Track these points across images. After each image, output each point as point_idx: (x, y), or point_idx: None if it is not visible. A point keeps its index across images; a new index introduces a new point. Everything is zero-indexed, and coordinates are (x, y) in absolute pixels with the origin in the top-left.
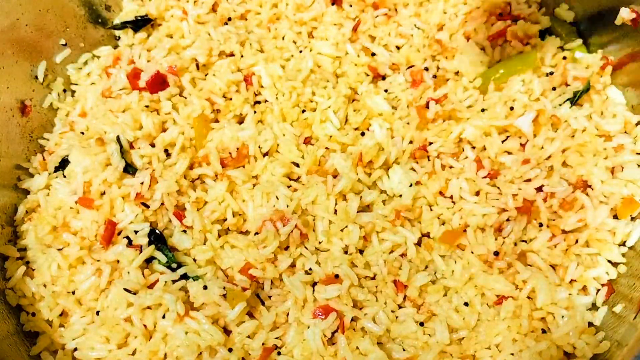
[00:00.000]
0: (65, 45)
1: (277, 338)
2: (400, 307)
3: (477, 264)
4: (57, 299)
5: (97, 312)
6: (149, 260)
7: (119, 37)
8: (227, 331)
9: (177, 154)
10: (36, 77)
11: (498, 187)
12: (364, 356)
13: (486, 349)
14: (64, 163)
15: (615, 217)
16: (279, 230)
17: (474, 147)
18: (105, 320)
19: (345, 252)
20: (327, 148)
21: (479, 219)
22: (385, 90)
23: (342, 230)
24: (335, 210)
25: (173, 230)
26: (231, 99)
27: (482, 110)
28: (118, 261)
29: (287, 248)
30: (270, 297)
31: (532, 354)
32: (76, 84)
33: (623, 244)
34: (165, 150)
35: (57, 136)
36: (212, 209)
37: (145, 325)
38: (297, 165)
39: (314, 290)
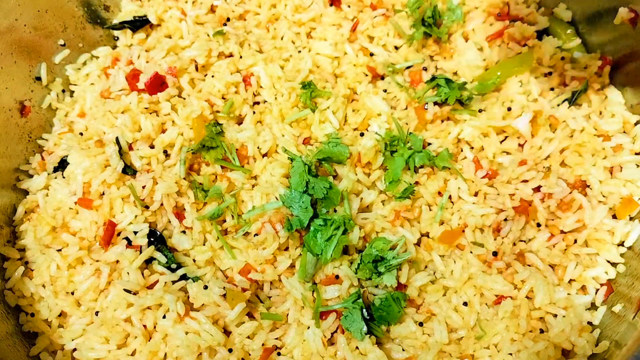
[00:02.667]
0: (64, 45)
1: (277, 339)
2: None
3: (476, 264)
4: (56, 299)
5: (97, 313)
6: (149, 261)
7: (118, 38)
8: (227, 332)
9: (177, 155)
10: (37, 78)
11: (496, 188)
12: (363, 356)
13: (485, 348)
14: (62, 163)
15: (614, 217)
16: (279, 233)
17: (472, 148)
18: (105, 321)
19: (345, 253)
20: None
21: (478, 220)
22: (384, 91)
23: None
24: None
25: (172, 231)
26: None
27: (480, 110)
28: (117, 262)
29: (286, 249)
30: (270, 297)
31: (530, 354)
32: (75, 85)
33: (622, 244)
34: (165, 151)
35: (56, 137)
36: (211, 210)
37: (145, 326)
38: None
39: (313, 291)
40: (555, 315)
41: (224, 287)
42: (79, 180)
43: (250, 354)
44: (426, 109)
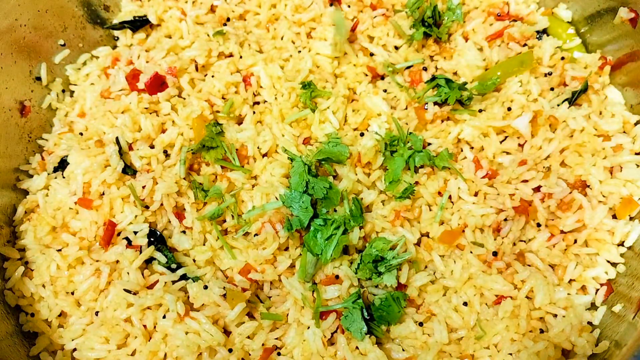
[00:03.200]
0: (64, 45)
1: (277, 339)
2: None
3: (476, 264)
4: (56, 299)
5: (97, 313)
6: (149, 261)
7: (118, 38)
8: (227, 332)
9: (177, 155)
10: (37, 78)
11: (496, 188)
12: (363, 356)
13: (485, 348)
14: (62, 163)
15: (614, 217)
16: (279, 233)
17: (472, 148)
18: (105, 321)
19: (345, 253)
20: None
21: (478, 220)
22: (384, 91)
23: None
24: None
25: (172, 231)
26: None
27: (480, 110)
28: (117, 262)
29: (286, 249)
30: (270, 297)
31: (530, 354)
32: (75, 85)
33: (622, 244)
34: (165, 151)
35: (56, 137)
36: (211, 210)
37: (145, 326)
38: None
39: (314, 291)
40: (555, 315)
41: (224, 287)
42: (79, 180)
43: (250, 354)
44: (426, 109)
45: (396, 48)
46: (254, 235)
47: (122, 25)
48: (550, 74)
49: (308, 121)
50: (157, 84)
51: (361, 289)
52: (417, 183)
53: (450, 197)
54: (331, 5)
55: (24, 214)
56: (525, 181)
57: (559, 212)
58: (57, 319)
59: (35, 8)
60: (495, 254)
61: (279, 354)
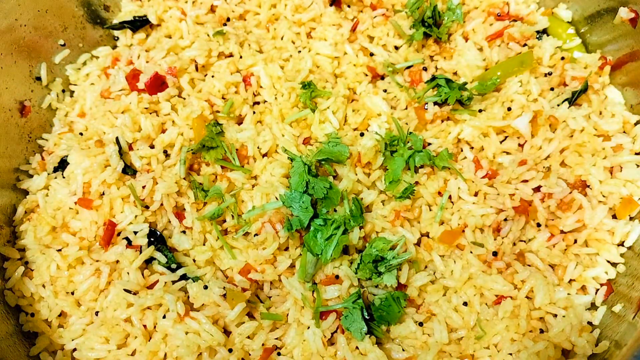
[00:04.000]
0: (64, 45)
1: (277, 338)
2: None
3: (476, 264)
4: (56, 299)
5: (97, 313)
6: (149, 261)
7: (118, 38)
8: (227, 332)
9: (177, 155)
10: (37, 78)
11: (496, 188)
12: (363, 356)
13: (485, 348)
14: (62, 163)
15: (614, 217)
16: (279, 233)
17: (472, 148)
18: (105, 321)
19: (345, 253)
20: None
21: (478, 220)
22: (384, 91)
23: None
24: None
25: (172, 231)
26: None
27: (480, 110)
28: (117, 262)
29: (286, 249)
30: (270, 297)
31: (530, 354)
32: (75, 85)
33: (622, 244)
34: (165, 151)
35: (56, 137)
36: (211, 210)
37: (145, 326)
38: None
39: (314, 291)
40: (555, 315)
41: (224, 287)
42: (79, 180)
43: (250, 354)
44: (426, 109)
45: (396, 48)
46: (254, 235)
47: (122, 25)
48: (550, 74)
49: (308, 121)
50: (157, 84)
51: (361, 289)
52: (417, 183)
53: (450, 197)
54: (331, 5)
55: (24, 214)
56: (525, 181)
57: (559, 212)
58: (57, 319)
59: (35, 8)
60: (495, 254)
61: (279, 354)
